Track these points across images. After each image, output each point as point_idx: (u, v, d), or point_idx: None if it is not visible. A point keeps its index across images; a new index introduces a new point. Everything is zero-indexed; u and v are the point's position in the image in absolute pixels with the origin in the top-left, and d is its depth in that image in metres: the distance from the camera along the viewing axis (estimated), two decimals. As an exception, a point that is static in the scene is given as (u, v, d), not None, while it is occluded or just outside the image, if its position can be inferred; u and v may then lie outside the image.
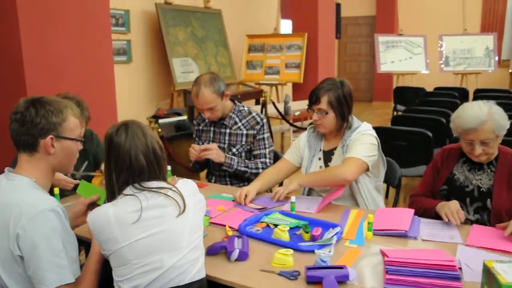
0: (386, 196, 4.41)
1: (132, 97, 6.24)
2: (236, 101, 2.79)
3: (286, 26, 9.94)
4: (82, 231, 1.80)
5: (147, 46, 6.52)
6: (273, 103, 6.25)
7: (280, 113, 6.19)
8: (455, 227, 1.92)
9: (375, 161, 2.28)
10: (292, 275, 1.55)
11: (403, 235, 1.85)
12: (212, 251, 1.70)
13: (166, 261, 1.40)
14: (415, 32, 9.99)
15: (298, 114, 6.41)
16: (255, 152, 2.72)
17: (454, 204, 1.97)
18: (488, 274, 1.41)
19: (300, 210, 2.16)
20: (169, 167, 2.74)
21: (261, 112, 6.13)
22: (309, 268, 1.52)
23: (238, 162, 2.67)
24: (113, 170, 1.48)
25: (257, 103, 7.42)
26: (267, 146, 2.73)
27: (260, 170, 2.68)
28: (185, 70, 6.62)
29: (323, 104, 2.26)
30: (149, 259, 1.40)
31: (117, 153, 1.46)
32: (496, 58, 9.35)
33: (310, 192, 2.47)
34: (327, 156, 2.39)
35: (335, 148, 2.37)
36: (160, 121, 4.69)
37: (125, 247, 1.39)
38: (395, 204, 2.68)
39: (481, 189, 2.10)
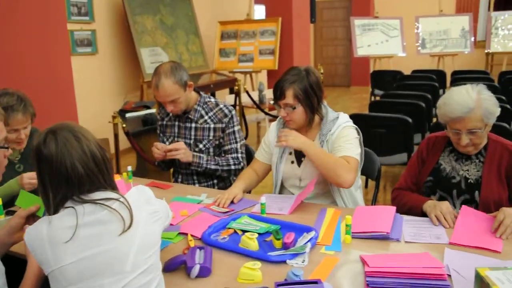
0: (366, 186, 4.30)
1: (98, 91, 5.93)
2: (201, 92, 2.57)
3: (259, 11, 9.69)
4: (19, 248, 1.58)
5: (113, 36, 6.20)
6: (247, 92, 6.01)
7: (254, 102, 5.96)
8: (441, 225, 1.75)
9: None
10: (260, 293, 1.35)
11: (384, 238, 1.67)
12: (169, 268, 1.49)
13: (107, 288, 1.19)
14: (391, 15, 9.85)
15: (273, 102, 6.17)
16: (226, 148, 2.51)
17: (446, 206, 1.80)
18: (481, 283, 1.25)
19: (272, 212, 1.96)
20: (129, 167, 2.52)
21: (235, 102, 5.90)
22: (278, 285, 1.33)
23: (207, 160, 2.45)
24: (49, 187, 1.26)
25: (231, 92, 7.19)
26: (238, 140, 2.51)
27: (232, 167, 2.47)
28: (154, 60, 6.32)
29: (289, 98, 2.04)
30: (86, 285, 1.18)
31: (50, 167, 1.24)
32: (472, 39, 9.29)
33: (282, 190, 2.27)
34: (300, 151, 2.17)
35: (311, 144, 2.15)
36: (127, 115, 4.43)
37: (55, 271, 1.18)
38: (374, 198, 2.51)
39: (469, 181, 1.93)
